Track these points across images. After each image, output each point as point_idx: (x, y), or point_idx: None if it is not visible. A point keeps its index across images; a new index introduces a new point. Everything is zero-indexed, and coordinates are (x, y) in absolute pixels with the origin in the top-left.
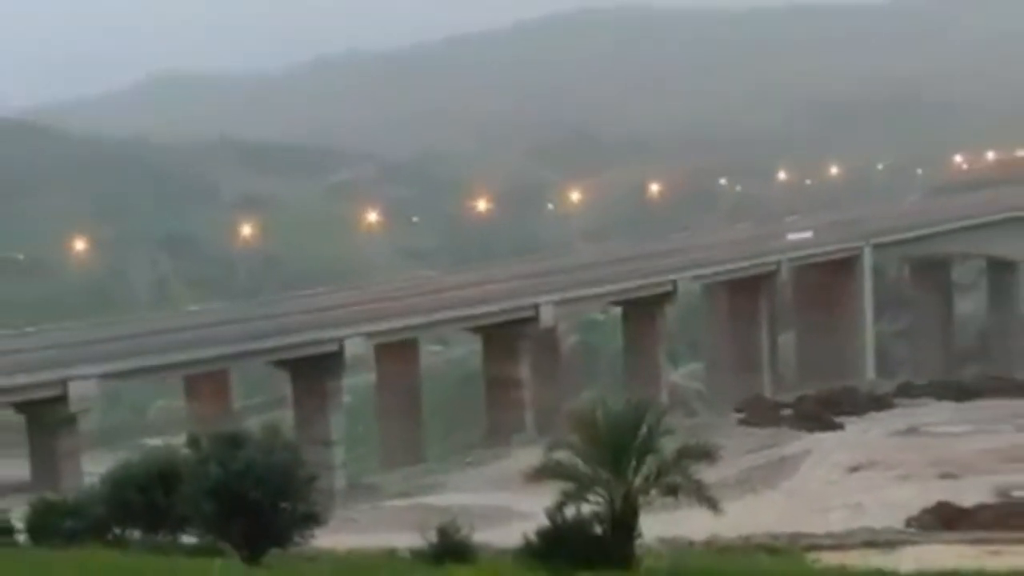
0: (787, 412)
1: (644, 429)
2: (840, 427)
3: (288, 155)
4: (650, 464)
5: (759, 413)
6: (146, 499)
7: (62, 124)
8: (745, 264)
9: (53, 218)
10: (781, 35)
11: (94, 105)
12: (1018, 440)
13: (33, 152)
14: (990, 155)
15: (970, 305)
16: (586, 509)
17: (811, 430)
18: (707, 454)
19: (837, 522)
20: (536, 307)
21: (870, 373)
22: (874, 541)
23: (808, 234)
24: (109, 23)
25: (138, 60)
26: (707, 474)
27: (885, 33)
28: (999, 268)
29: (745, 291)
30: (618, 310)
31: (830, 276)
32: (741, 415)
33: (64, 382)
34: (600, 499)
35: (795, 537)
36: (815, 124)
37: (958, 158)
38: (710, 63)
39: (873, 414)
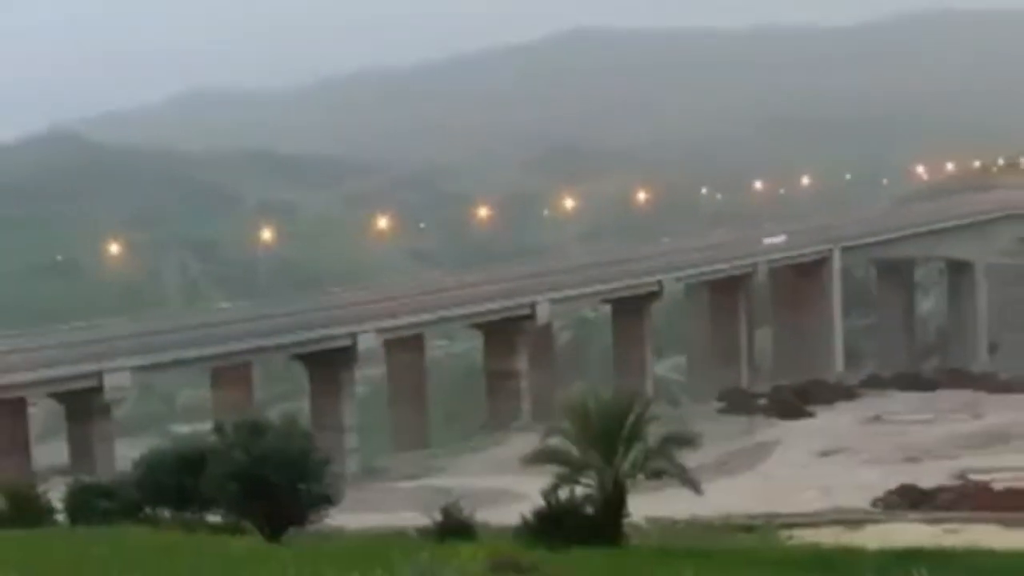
0: (763, 402)
1: (631, 418)
2: (811, 415)
3: (306, 166)
4: (637, 450)
5: (737, 403)
6: (175, 481)
7: (99, 136)
8: (724, 266)
9: (90, 223)
10: (755, 56)
11: (129, 118)
12: (974, 428)
13: (72, 162)
14: (949, 166)
15: (930, 303)
16: (578, 491)
17: (785, 418)
18: (689, 440)
19: (809, 502)
20: (533, 305)
21: (839, 366)
22: (843, 520)
23: (782, 239)
24: (144, 42)
25: (169, 77)
26: (689, 459)
27: (851, 54)
28: (957, 269)
29: (724, 291)
30: (608, 308)
31: (802, 277)
32: (721, 405)
33: (100, 374)
34: (591, 482)
35: (771, 516)
36: (788, 138)
37: (920, 169)
38: (690, 82)
39: (842, 404)
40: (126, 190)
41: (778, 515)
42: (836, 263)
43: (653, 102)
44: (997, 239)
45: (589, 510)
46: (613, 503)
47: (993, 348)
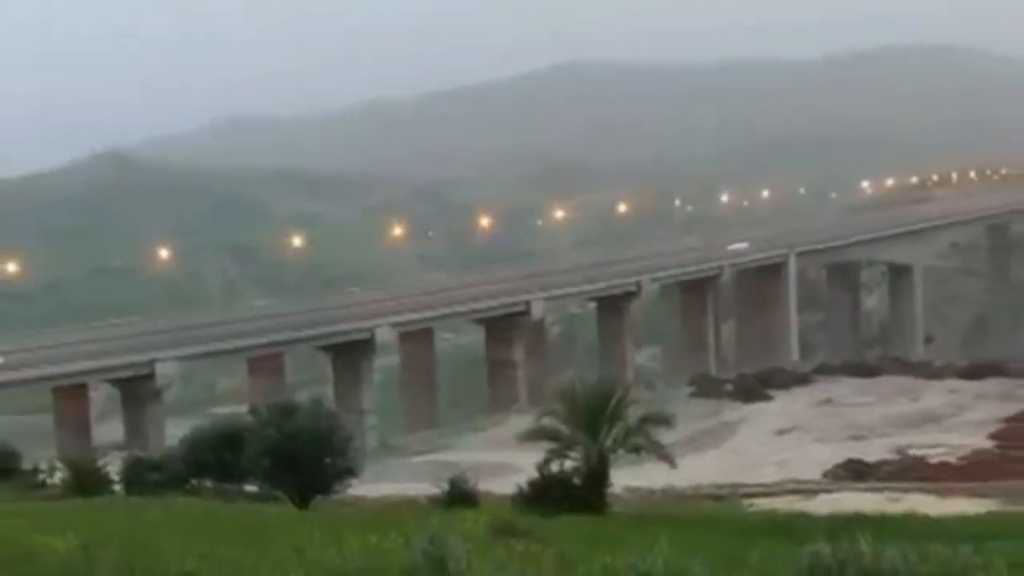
0: (728, 387)
1: (613, 400)
2: (770, 399)
3: (330, 182)
4: (618, 428)
5: (706, 388)
6: (216, 457)
7: (149, 157)
8: (694, 268)
9: (141, 233)
10: (722, 86)
11: (175, 141)
12: (912, 409)
13: (125, 179)
14: (889, 182)
15: (873, 301)
16: (567, 464)
17: (747, 402)
18: (664, 420)
19: (768, 475)
20: (528, 303)
21: (794, 356)
22: (797, 489)
23: (745, 244)
24: (185, 71)
25: (209, 105)
26: (664, 436)
27: (806, 84)
28: (897, 271)
29: (695, 290)
30: (593, 305)
31: (763, 278)
32: (691, 389)
33: (151, 363)
34: (578, 456)
35: (735, 487)
36: (750, 157)
37: (865, 184)
38: (666, 108)
39: (796, 389)
40: (172, 204)
41: (741, 486)
42: (792, 266)
43: (633, 126)
44: (932, 244)
45: (576, 481)
46: (597, 475)
47: (928, 340)
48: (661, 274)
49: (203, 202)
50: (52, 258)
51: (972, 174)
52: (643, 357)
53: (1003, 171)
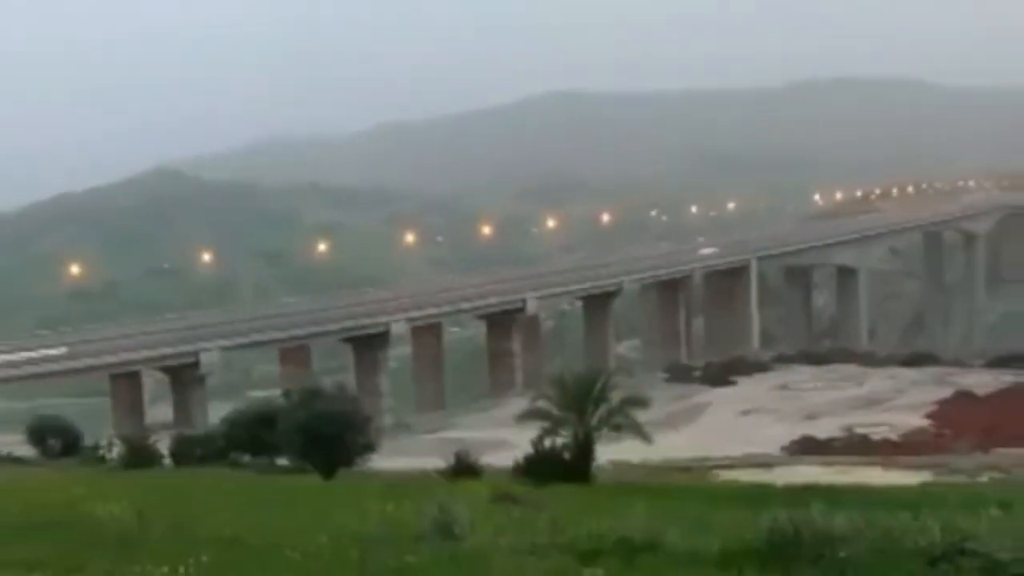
0: (698, 373)
1: (598, 385)
2: (734, 384)
3: (353, 195)
4: (602, 410)
5: (678, 374)
6: (252, 434)
7: (197, 172)
8: (669, 270)
9: (188, 239)
10: (691, 112)
11: (218, 158)
12: (858, 393)
13: (176, 192)
14: (838, 195)
15: (824, 299)
16: (558, 441)
17: (714, 386)
18: (641, 402)
19: (732, 450)
20: (524, 301)
21: (755, 346)
22: (758, 463)
23: (713, 250)
24: (227, 93)
25: (248, 125)
26: (642, 416)
27: (766, 110)
28: (844, 273)
29: (669, 289)
30: (580, 303)
31: (728, 279)
32: (666, 375)
33: (196, 352)
34: (568, 434)
35: (703, 460)
36: (716, 173)
37: (816, 197)
38: (641, 131)
39: (757, 375)
40: (215, 214)
41: (709, 459)
42: (753, 269)
43: (614, 146)
44: (875, 250)
45: (566, 455)
46: (584, 450)
47: (872, 333)
48: (639, 275)
49: (242, 212)
50: (112, 261)
51: (910, 188)
52: (624, 348)
53: (937, 185)
